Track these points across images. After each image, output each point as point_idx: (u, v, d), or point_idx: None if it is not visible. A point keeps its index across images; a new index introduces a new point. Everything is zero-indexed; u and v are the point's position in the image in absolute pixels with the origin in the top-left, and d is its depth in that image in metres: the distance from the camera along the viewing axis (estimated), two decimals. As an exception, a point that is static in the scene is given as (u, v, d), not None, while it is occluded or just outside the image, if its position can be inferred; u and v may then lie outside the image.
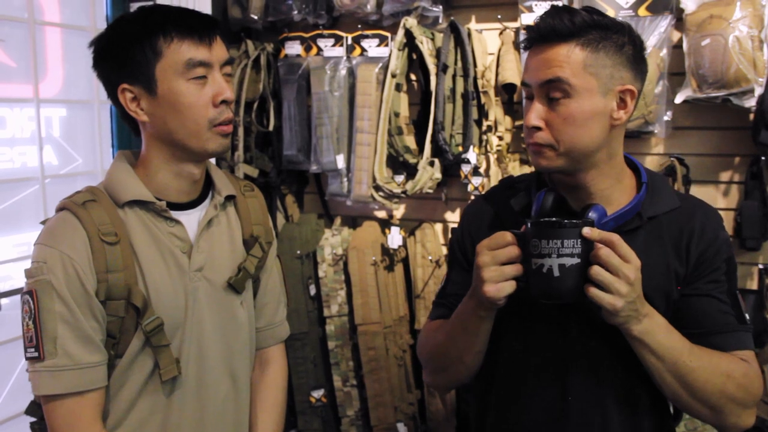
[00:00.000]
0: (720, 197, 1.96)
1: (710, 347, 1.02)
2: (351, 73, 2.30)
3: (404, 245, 2.29)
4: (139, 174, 1.12)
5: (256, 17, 2.35)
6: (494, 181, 2.08)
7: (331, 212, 2.53)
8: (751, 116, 1.82)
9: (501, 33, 2.13)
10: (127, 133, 2.30)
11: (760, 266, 1.91)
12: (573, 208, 1.08)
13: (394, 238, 2.27)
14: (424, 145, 2.15)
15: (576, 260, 0.93)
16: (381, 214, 2.44)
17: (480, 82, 2.10)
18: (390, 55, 2.20)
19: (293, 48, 2.37)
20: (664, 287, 1.06)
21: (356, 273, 2.30)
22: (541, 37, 1.02)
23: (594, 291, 0.93)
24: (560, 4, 1.94)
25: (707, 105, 1.88)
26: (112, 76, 1.09)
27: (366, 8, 2.18)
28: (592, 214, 0.99)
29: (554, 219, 0.96)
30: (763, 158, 1.83)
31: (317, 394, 2.42)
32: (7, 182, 2.04)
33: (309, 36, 2.35)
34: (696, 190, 1.93)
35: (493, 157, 2.14)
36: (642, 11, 1.89)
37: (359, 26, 2.30)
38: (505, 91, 2.11)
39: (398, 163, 2.23)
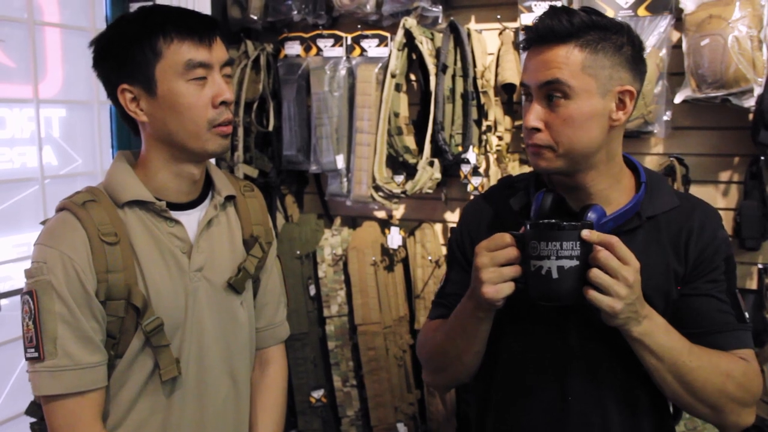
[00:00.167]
0: (719, 197, 1.96)
1: (710, 347, 1.03)
2: (351, 73, 2.30)
3: (404, 245, 2.29)
4: (139, 174, 1.12)
5: (255, 17, 2.35)
6: (494, 181, 2.08)
7: (331, 212, 2.53)
8: (751, 116, 1.82)
9: (500, 33, 2.13)
10: (126, 134, 2.30)
11: (760, 266, 1.91)
12: (572, 209, 1.08)
13: (394, 238, 2.27)
14: (423, 146, 2.15)
15: (575, 262, 0.93)
16: (381, 214, 2.44)
17: (479, 82, 2.10)
18: (389, 55, 2.20)
19: (293, 48, 2.37)
20: (663, 287, 1.06)
21: (356, 273, 2.30)
22: (539, 37, 1.02)
23: (593, 294, 0.93)
24: (559, 4, 1.94)
25: (706, 105, 1.88)
26: (112, 76, 1.09)
27: (365, 8, 2.18)
28: (591, 215, 0.99)
29: (553, 221, 0.96)
30: (762, 158, 1.83)
31: (317, 394, 2.42)
32: (7, 183, 2.04)
33: (308, 36, 2.35)
34: (695, 190, 1.93)
35: (492, 157, 2.14)
36: (641, 11, 1.89)
37: (359, 26, 2.30)
38: (505, 91, 2.11)
39: (398, 164, 2.24)
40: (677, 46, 1.89)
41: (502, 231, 1.00)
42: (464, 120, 2.12)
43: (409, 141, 2.24)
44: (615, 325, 0.96)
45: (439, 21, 2.20)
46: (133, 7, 2.25)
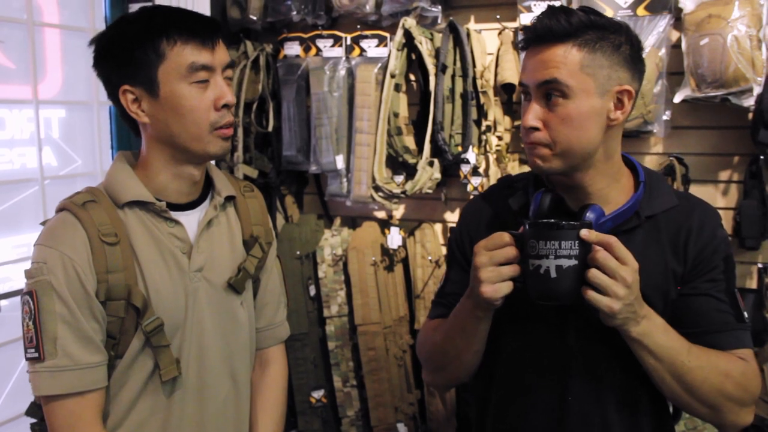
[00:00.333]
0: (719, 196, 1.96)
1: (709, 346, 1.03)
2: (350, 73, 2.30)
3: (404, 245, 2.29)
4: (139, 175, 1.12)
5: (255, 18, 2.35)
6: (494, 181, 2.08)
7: (331, 213, 2.53)
8: (750, 115, 1.82)
9: (500, 33, 2.13)
10: (126, 134, 2.31)
11: (760, 265, 1.91)
12: (571, 208, 1.08)
13: (394, 238, 2.27)
14: (423, 146, 2.15)
15: (573, 262, 0.93)
16: (380, 214, 2.44)
17: (479, 82, 2.10)
18: (389, 55, 2.20)
19: (292, 48, 2.37)
20: (662, 286, 1.06)
21: (356, 273, 2.30)
22: (537, 37, 1.02)
23: (591, 294, 0.93)
24: (558, 4, 1.94)
25: (706, 104, 1.88)
26: (113, 77, 1.09)
27: (365, 9, 2.18)
28: (589, 215, 0.99)
29: (552, 220, 0.96)
30: (762, 157, 1.83)
31: (317, 394, 2.42)
32: (7, 183, 2.04)
33: (308, 36, 2.35)
34: (695, 190, 1.93)
35: (492, 157, 2.14)
36: (641, 11, 1.89)
37: (358, 26, 2.30)
38: (504, 91, 2.11)
39: (398, 164, 2.24)
40: (676, 45, 1.89)
41: (501, 231, 1.00)
42: (464, 120, 2.12)
43: (409, 141, 2.24)
44: (613, 325, 0.96)
45: (439, 21, 2.20)
46: (133, 7, 2.26)
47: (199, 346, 1.13)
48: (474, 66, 2.10)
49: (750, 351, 1.06)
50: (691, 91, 1.81)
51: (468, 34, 2.11)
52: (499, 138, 2.12)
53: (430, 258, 2.24)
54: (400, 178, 2.23)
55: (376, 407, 2.32)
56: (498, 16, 2.14)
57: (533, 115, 1.02)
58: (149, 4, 1.12)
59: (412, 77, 2.33)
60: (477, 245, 1.00)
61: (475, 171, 2.13)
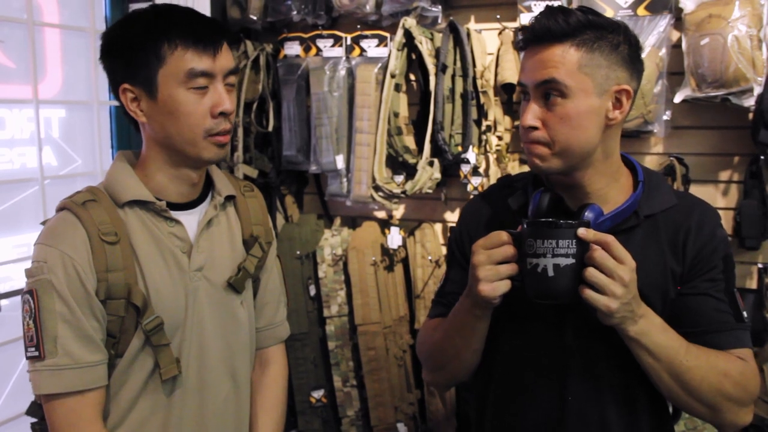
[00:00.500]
0: (719, 196, 1.96)
1: (707, 346, 1.03)
2: (350, 73, 2.30)
3: (404, 245, 2.29)
4: (139, 174, 1.12)
5: (255, 18, 2.35)
6: (494, 181, 2.08)
7: (331, 212, 2.53)
8: (750, 115, 1.82)
9: (500, 33, 2.13)
10: (126, 134, 2.31)
11: (760, 265, 1.91)
12: (570, 208, 1.08)
13: (394, 238, 2.27)
14: (423, 145, 2.15)
15: (571, 260, 0.93)
16: (381, 214, 2.44)
17: (479, 82, 2.10)
18: (389, 55, 2.20)
19: (292, 48, 2.37)
20: (661, 286, 1.06)
21: (356, 273, 2.30)
22: (536, 37, 1.02)
23: (589, 293, 0.93)
24: (557, 4, 1.94)
25: (706, 104, 1.88)
26: (115, 74, 1.09)
27: (365, 8, 2.18)
28: (588, 214, 0.99)
29: (550, 219, 0.97)
30: (762, 157, 1.83)
31: (317, 394, 2.42)
32: (7, 183, 2.04)
33: (308, 36, 2.35)
34: (695, 190, 1.93)
35: (492, 157, 2.14)
36: (641, 11, 1.89)
37: (358, 26, 2.30)
38: (505, 91, 2.11)
39: (398, 163, 2.24)
40: (677, 45, 1.89)
41: (500, 230, 1.00)
42: (464, 120, 2.12)
43: (409, 141, 2.24)
44: (611, 324, 0.97)
45: (439, 21, 2.20)
46: (133, 8, 2.26)
47: (199, 345, 1.14)
48: (474, 66, 2.10)
49: (749, 351, 1.06)
50: (691, 91, 1.81)
51: (468, 34, 2.11)
52: (499, 138, 2.12)
53: (430, 258, 2.24)
54: (400, 178, 2.23)
55: (376, 407, 2.32)
56: (498, 16, 2.14)
57: (532, 114, 1.03)
58: (148, 3, 1.11)
59: (412, 77, 2.33)
60: (475, 244, 1.01)
61: (475, 171, 2.13)
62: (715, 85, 1.76)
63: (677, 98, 1.85)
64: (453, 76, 2.13)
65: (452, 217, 2.33)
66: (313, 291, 2.41)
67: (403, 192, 2.16)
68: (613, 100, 1.03)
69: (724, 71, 1.73)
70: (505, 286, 0.98)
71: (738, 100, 1.77)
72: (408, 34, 2.15)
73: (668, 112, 1.91)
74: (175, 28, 1.05)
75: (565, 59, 0.99)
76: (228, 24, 2.40)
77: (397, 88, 2.22)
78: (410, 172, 2.19)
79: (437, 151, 2.13)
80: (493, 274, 0.98)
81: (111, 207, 1.08)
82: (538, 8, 1.97)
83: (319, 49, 2.33)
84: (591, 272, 0.93)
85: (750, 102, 1.76)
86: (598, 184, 1.07)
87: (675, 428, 1.20)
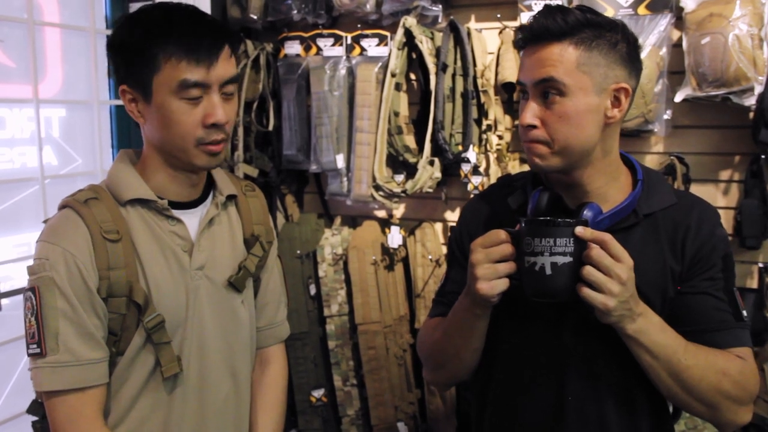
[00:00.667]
0: (720, 196, 1.96)
1: (707, 345, 1.03)
2: (350, 72, 2.30)
3: (404, 245, 2.29)
4: (141, 173, 1.13)
5: (255, 17, 2.35)
6: (494, 181, 2.08)
7: (331, 212, 2.53)
8: (751, 115, 1.82)
9: (500, 32, 2.13)
10: (126, 133, 2.31)
11: (760, 265, 1.91)
12: (569, 206, 1.08)
13: (394, 237, 2.27)
14: (423, 145, 2.15)
15: (568, 259, 0.94)
16: (381, 213, 2.44)
17: (480, 82, 2.10)
18: (389, 54, 2.20)
19: (293, 48, 2.37)
20: (660, 284, 1.06)
21: (356, 272, 2.30)
22: (534, 36, 1.03)
23: (586, 291, 0.93)
24: (556, 3, 1.94)
25: (707, 103, 1.88)
26: (117, 73, 1.09)
27: (365, 8, 2.18)
28: (587, 213, 0.99)
29: (548, 218, 0.97)
30: (763, 157, 1.83)
31: (317, 393, 2.42)
32: (7, 182, 2.04)
33: (308, 36, 2.35)
34: (696, 189, 1.93)
35: (492, 156, 2.14)
36: (642, 10, 1.89)
37: (359, 26, 2.30)
38: (505, 90, 2.11)
39: (398, 163, 2.23)
40: (677, 44, 1.89)
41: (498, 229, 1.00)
42: (464, 119, 2.12)
43: (409, 140, 2.24)
44: (609, 322, 0.97)
45: (439, 20, 2.20)
46: (133, 7, 2.26)
47: (200, 343, 1.14)
48: (474, 65, 2.10)
49: (748, 350, 1.06)
50: (692, 90, 1.81)
51: (469, 33, 2.11)
52: (500, 137, 2.12)
53: (430, 257, 2.24)
54: (400, 177, 2.23)
55: (376, 406, 2.33)
56: (499, 15, 2.13)
57: (531, 113, 1.03)
58: (150, 3, 1.10)
59: (412, 76, 2.33)
60: (473, 243, 1.01)
61: (475, 170, 2.13)
62: (715, 84, 1.75)
63: (678, 97, 1.85)
64: (453, 76, 2.13)
65: (453, 216, 2.33)
66: (313, 290, 2.41)
67: (404, 191, 2.16)
68: (611, 99, 1.03)
69: (724, 70, 1.72)
70: (503, 284, 0.98)
71: (739, 100, 1.77)
72: (408, 34, 2.15)
73: (669, 112, 1.91)
74: (173, 36, 1.03)
75: (564, 58, 1.00)
76: (228, 23, 2.40)
77: (398, 87, 2.22)
78: (410, 171, 2.19)
79: (437, 150, 2.13)
80: (492, 272, 0.98)
81: (113, 205, 1.09)
82: (538, 7, 1.97)
83: (319, 49, 2.33)
84: (588, 270, 0.93)
85: (751, 101, 1.76)
86: (597, 182, 1.07)
87: (675, 428, 1.20)
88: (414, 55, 2.24)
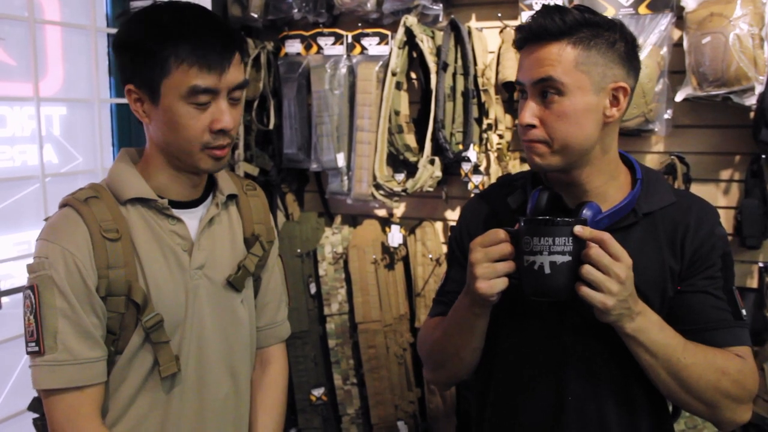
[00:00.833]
0: (720, 195, 1.96)
1: (706, 343, 1.03)
2: (351, 71, 2.30)
3: (404, 243, 2.29)
4: (142, 172, 1.13)
5: (256, 16, 2.35)
6: (494, 180, 2.08)
7: (332, 211, 2.53)
8: (752, 114, 1.82)
9: (501, 31, 2.13)
10: (127, 132, 2.31)
11: (761, 264, 1.91)
12: (568, 206, 1.08)
13: (395, 236, 2.27)
14: (424, 144, 2.15)
15: (567, 258, 0.94)
16: (381, 212, 2.44)
17: (480, 81, 2.10)
18: (390, 53, 2.20)
19: (293, 46, 2.37)
20: (659, 283, 1.06)
21: (356, 271, 2.30)
22: (532, 36, 1.03)
23: (585, 290, 0.94)
24: (556, 2, 1.94)
25: (708, 103, 1.88)
26: (123, 72, 1.08)
27: (366, 6, 2.18)
28: (586, 212, 0.99)
29: (547, 217, 0.97)
30: (763, 156, 1.83)
31: (318, 392, 2.43)
32: (8, 181, 2.04)
33: (309, 34, 2.35)
34: (696, 189, 1.93)
35: (493, 156, 2.14)
36: (642, 9, 1.89)
37: (359, 24, 2.30)
38: (506, 89, 2.11)
39: (398, 162, 2.24)
40: (678, 44, 1.89)
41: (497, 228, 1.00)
42: (465, 118, 2.12)
43: (410, 139, 2.24)
44: (608, 321, 0.97)
45: (440, 19, 2.20)
46: (134, 6, 2.26)
47: (199, 343, 1.14)
48: (475, 64, 2.10)
49: (747, 348, 1.06)
50: (692, 89, 1.81)
51: (469, 32, 2.11)
52: (500, 136, 2.12)
53: (430, 256, 2.24)
54: (400, 176, 2.23)
55: (376, 405, 2.33)
56: (499, 14, 2.13)
57: (530, 112, 1.03)
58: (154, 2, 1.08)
59: (413, 75, 2.33)
60: (473, 242, 1.01)
61: (476, 169, 2.13)
62: (716, 83, 1.75)
63: (678, 97, 1.85)
64: (454, 75, 2.13)
65: (453, 215, 2.33)
66: (313, 289, 2.41)
67: (404, 190, 2.16)
68: (610, 98, 1.03)
69: (725, 70, 1.72)
70: (502, 283, 0.98)
71: (739, 99, 1.77)
72: (409, 32, 2.15)
73: (669, 111, 1.91)
74: (185, 40, 1.01)
75: (562, 57, 1.00)
76: (229, 22, 2.40)
77: (398, 86, 2.22)
78: (411, 170, 2.19)
79: (438, 149, 2.13)
80: (491, 271, 0.98)
81: (113, 204, 1.08)
82: (539, 6, 1.97)
83: (320, 47, 2.33)
84: (587, 269, 0.93)
85: (751, 101, 1.76)
86: (596, 181, 1.07)
87: (675, 427, 1.20)
88: (415, 54, 2.25)
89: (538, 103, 1.03)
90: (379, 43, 2.25)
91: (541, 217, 0.97)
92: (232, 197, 1.22)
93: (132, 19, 1.07)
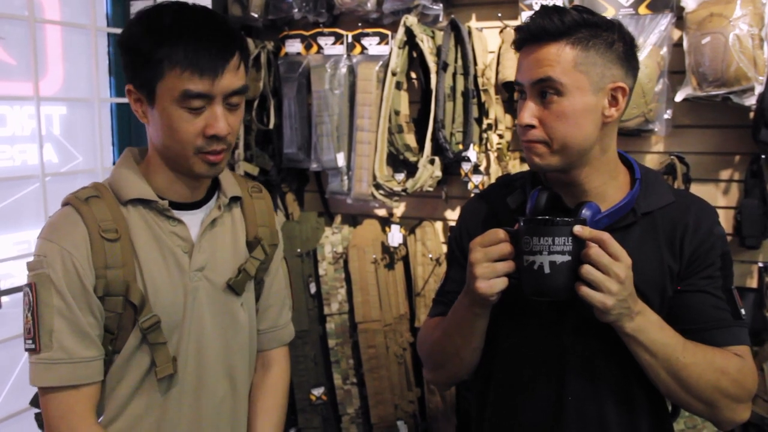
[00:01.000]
0: (720, 195, 1.96)
1: (705, 343, 1.03)
2: (351, 71, 2.30)
3: (404, 243, 2.29)
4: (144, 172, 1.13)
5: (256, 15, 2.35)
6: (494, 180, 2.08)
7: (332, 210, 2.53)
8: (751, 114, 1.82)
9: (501, 31, 2.13)
10: (127, 132, 2.31)
11: (760, 264, 1.91)
12: (568, 206, 1.09)
13: (395, 236, 2.27)
14: (424, 144, 2.15)
15: (567, 258, 0.94)
16: (381, 212, 2.44)
17: (480, 81, 2.10)
18: (390, 53, 2.20)
19: (293, 46, 2.37)
20: (658, 283, 1.06)
21: (356, 271, 2.30)
22: (531, 37, 1.03)
23: (585, 289, 0.94)
24: (555, 2, 1.94)
25: (707, 103, 1.88)
26: (125, 72, 1.09)
27: (366, 6, 2.18)
28: (585, 212, 1.00)
29: (546, 217, 0.97)
30: (763, 156, 1.83)
31: (317, 392, 2.43)
32: (8, 180, 2.04)
33: (309, 34, 2.35)
34: (696, 189, 1.93)
35: (493, 156, 2.14)
36: (642, 9, 1.89)
37: (359, 24, 2.30)
38: (506, 89, 2.11)
39: (398, 161, 2.24)
40: (678, 44, 1.89)
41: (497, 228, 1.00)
42: (465, 118, 2.12)
43: (410, 139, 2.24)
44: (607, 321, 0.97)
45: (440, 19, 2.20)
46: (134, 6, 2.26)
47: (197, 345, 1.14)
48: (475, 64, 2.10)
49: (747, 348, 1.06)
50: (692, 89, 1.81)
51: (469, 32, 2.11)
52: (500, 136, 2.12)
53: (430, 256, 2.24)
54: (400, 176, 2.23)
55: (376, 405, 2.33)
56: (499, 14, 2.13)
57: (529, 113, 1.03)
58: (151, 2, 1.09)
59: (413, 75, 2.33)
60: (472, 242, 1.01)
61: (476, 169, 2.13)
62: (716, 84, 1.75)
63: (678, 97, 1.85)
64: (454, 75, 2.13)
65: (453, 215, 2.33)
66: (313, 289, 2.41)
67: (404, 190, 2.16)
68: (608, 98, 1.03)
69: (725, 70, 1.72)
70: (502, 283, 0.99)
71: (739, 99, 1.77)
72: (409, 32, 2.15)
73: (669, 111, 1.91)
74: (179, 44, 1.00)
75: (561, 57, 1.00)
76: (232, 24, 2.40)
77: (398, 86, 2.22)
78: (411, 170, 2.19)
79: (438, 149, 2.13)
80: (490, 271, 0.98)
81: (114, 204, 1.08)
82: (539, 6, 1.97)
83: (320, 47, 2.33)
84: (587, 269, 0.93)
85: (751, 101, 1.75)
86: (595, 181, 1.08)
87: (674, 426, 1.20)
88: (415, 54, 2.24)
89: (537, 103, 1.03)
90: (379, 43, 2.25)
91: (540, 217, 0.98)
92: (235, 200, 1.21)
93: (133, 21, 1.08)
